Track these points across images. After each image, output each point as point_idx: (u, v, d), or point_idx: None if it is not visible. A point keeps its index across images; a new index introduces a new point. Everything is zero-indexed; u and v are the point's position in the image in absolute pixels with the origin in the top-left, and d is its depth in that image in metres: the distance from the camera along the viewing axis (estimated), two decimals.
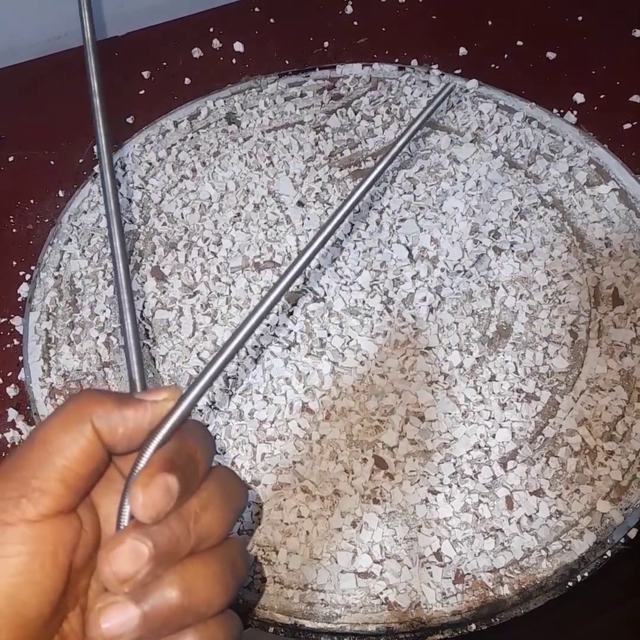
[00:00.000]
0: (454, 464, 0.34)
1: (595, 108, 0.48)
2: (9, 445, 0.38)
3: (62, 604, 0.21)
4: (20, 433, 0.38)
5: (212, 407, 0.37)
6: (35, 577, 0.20)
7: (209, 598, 0.21)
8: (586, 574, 0.32)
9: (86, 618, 0.22)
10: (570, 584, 0.32)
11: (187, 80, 0.52)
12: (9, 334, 0.41)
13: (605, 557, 0.33)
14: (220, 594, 0.22)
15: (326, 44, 0.53)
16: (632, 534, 0.33)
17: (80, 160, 0.48)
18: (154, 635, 0.21)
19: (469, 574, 0.32)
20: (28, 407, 0.38)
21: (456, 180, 0.43)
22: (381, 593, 0.32)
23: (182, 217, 0.43)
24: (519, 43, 0.52)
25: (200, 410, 0.37)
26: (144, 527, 0.20)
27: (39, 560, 0.20)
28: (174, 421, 0.22)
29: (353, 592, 0.32)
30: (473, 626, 0.32)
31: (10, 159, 0.49)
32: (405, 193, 0.43)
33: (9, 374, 0.40)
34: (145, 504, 0.20)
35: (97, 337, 0.39)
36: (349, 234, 0.42)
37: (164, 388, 0.23)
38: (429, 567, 0.32)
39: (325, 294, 0.40)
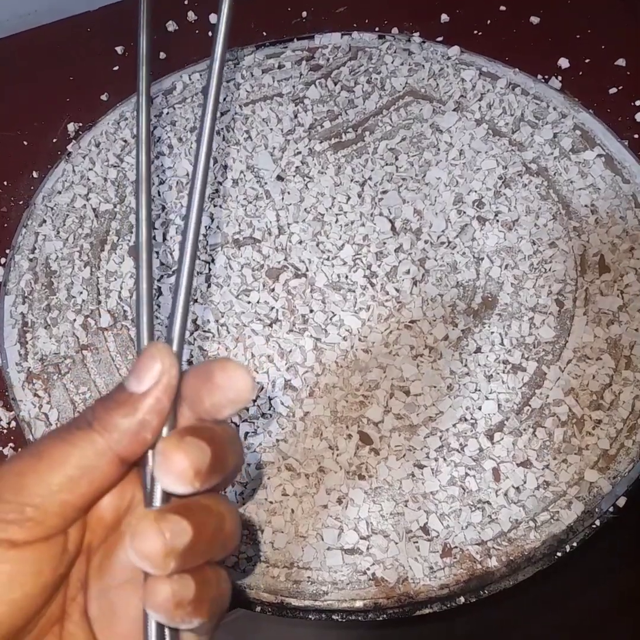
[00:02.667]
0: (440, 438, 0.34)
1: (580, 73, 0.47)
2: None
3: (43, 606, 0.20)
4: None
5: None
6: (13, 596, 0.19)
7: (231, 528, 0.21)
8: (575, 544, 0.32)
9: (68, 595, 0.21)
10: (558, 554, 0.32)
11: (162, 55, 0.50)
12: None
13: (594, 526, 0.32)
14: (237, 529, 0.21)
15: (304, 14, 0.51)
16: (621, 502, 0.33)
17: (54, 140, 0.47)
18: (200, 555, 0.20)
19: (456, 547, 0.32)
20: (6, 393, 0.37)
21: (439, 150, 0.42)
22: (368, 569, 0.31)
23: (159, 195, 0.42)
24: (502, 8, 0.51)
25: None
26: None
27: (19, 579, 0.19)
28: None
29: (340, 568, 0.32)
30: (461, 599, 0.32)
31: None
32: (387, 164, 0.42)
33: None
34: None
35: (75, 320, 0.38)
36: (330, 208, 0.41)
37: (150, 359, 0.20)
38: (416, 542, 0.32)
39: (306, 270, 0.39)
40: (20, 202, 0.44)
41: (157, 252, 0.40)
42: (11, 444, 0.37)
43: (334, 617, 0.32)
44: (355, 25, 0.50)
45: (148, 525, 0.19)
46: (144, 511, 0.20)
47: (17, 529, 0.19)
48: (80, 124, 0.47)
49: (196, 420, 0.21)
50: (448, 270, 0.38)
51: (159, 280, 0.39)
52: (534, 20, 0.50)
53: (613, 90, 0.46)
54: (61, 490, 0.19)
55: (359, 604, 0.31)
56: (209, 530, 0.20)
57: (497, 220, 0.40)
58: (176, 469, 0.19)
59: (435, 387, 0.35)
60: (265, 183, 0.42)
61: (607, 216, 0.40)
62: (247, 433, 0.35)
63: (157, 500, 0.20)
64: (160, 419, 0.20)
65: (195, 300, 0.38)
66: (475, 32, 0.50)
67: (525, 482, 0.33)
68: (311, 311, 0.38)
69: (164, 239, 0.41)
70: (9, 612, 0.19)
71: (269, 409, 0.35)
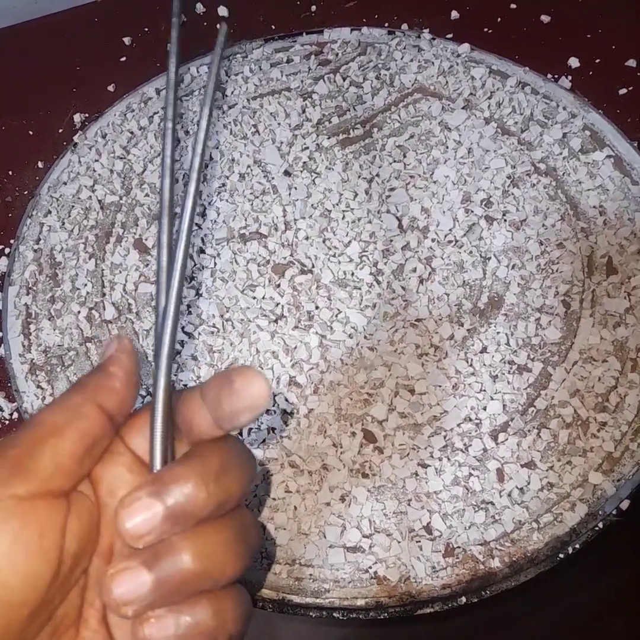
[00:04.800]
0: (444, 437, 0.34)
1: (591, 73, 0.47)
2: None
3: (53, 591, 0.20)
4: (1, 410, 0.37)
5: (197, 381, 0.36)
6: (18, 559, 0.19)
7: (222, 565, 0.21)
8: (577, 546, 0.32)
9: (85, 598, 0.21)
10: (561, 556, 0.32)
11: (169, 47, 0.50)
12: None
13: (597, 528, 0.32)
14: (234, 562, 0.21)
15: (314, 8, 0.51)
16: (624, 505, 0.33)
17: (60, 130, 0.46)
18: (166, 601, 0.20)
19: (459, 547, 0.32)
20: (8, 384, 0.37)
21: (447, 147, 0.42)
22: (370, 567, 0.31)
23: None
24: (513, 6, 0.50)
25: (185, 385, 0.36)
26: (161, 483, 0.20)
27: (23, 540, 0.19)
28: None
29: (342, 566, 0.31)
30: (463, 599, 0.31)
31: None
32: (395, 161, 0.42)
33: None
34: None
35: (79, 312, 0.38)
36: (337, 204, 0.40)
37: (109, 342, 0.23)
38: (419, 541, 0.32)
39: (313, 266, 0.39)
40: (25, 193, 0.44)
41: None
42: None
43: (335, 614, 0.32)
44: (364, 20, 0.50)
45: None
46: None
47: (17, 480, 0.19)
48: (87, 115, 0.47)
49: (215, 428, 0.22)
50: (455, 269, 0.38)
51: None
52: (545, 19, 0.49)
53: (623, 91, 0.46)
54: (51, 437, 0.20)
55: (360, 602, 0.31)
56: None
57: (505, 220, 0.39)
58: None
59: (440, 386, 0.35)
60: (273, 178, 0.42)
61: (615, 218, 0.39)
62: (250, 429, 0.34)
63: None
64: (125, 374, 0.22)
65: (200, 295, 0.38)
66: (486, 29, 0.49)
67: (529, 483, 0.33)
68: (317, 308, 0.37)
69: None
70: (17, 576, 0.19)
71: (274, 406, 0.35)
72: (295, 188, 0.41)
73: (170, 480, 0.20)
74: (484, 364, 0.36)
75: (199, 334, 0.37)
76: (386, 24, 0.49)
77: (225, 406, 0.21)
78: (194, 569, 0.20)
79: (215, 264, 0.39)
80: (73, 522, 0.21)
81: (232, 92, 0.46)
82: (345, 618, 0.32)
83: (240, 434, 0.34)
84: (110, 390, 0.22)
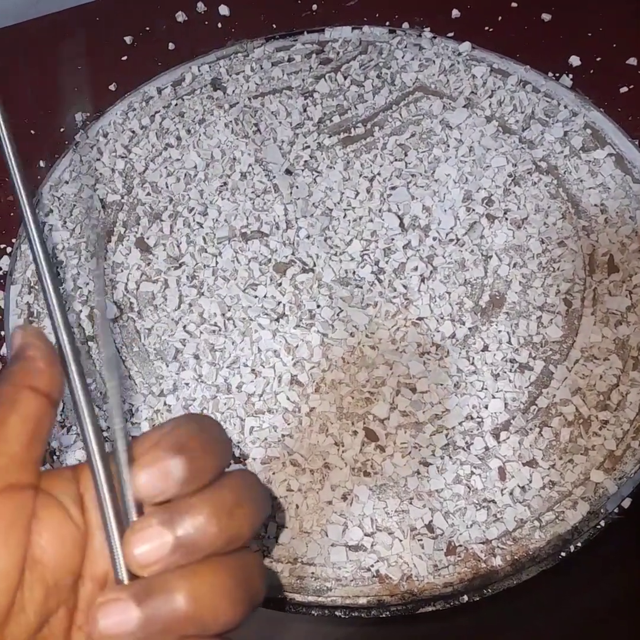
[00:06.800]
0: (446, 436, 0.34)
1: (592, 71, 0.47)
2: None
3: (22, 600, 0.19)
4: None
5: (199, 380, 0.36)
6: None
7: (216, 611, 0.20)
8: (579, 545, 0.32)
9: (74, 620, 0.21)
10: (563, 554, 0.32)
11: (171, 46, 0.50)
12: None
13: (599, 527, 0.32)
14: (230, 610, 0.20)
15: (315, 6, 0.51)
16: (626, 503, 0.33)
17: (61, 129, 0.46)
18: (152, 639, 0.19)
19: (461, 545, 0.32)
20: None
21: (448, 146, 0.42)
22: (372, 566, 0.31)
23: (167, 187, 0.42)
24: (514, 5, 0.50)
25: (186, 384, 0.36)
26: (172, 511, 0.19)
27: None
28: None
29: (343, 565, 0.31)
30: (465, 598, 0.31)
31: None
32: (396, 160, 0.42)
33: None
34: (146, 484, 0.19)
35: (81, 311, 0.38)
36: (338, 203, 0.40)
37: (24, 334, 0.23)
38: (421, 539, 0.32)
39: (314, 265, 0.39)
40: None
41: (165, 245, 0.40)
42: None
43: (337, 613, 0.32)
44: (365, 19, 0.50)
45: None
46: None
47: None
48: (88, 114, 0.47)
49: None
50: (456, 268, 0.38)
51: (165, 273, 0.39)
52: (546, 17, 0.49)
53: (624, 89, 0.46)
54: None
55: (362, 600, 0.31)
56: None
57: (506, 218, 0.39)
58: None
59: (441, 384, 0.35)
60: (274, 177, 0.42)
61: (616, 216, 0.39)
62: (252, 428, 0.34)
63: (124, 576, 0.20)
64: (44, 354, 0.22)
65: (202, 294, 0.38)
66: (487, 28, 0.49)
67: (530, 482, 0.33)
68: (318, 306, 0.37)
69: (171, 230, 0.40)
70: None
71: (275, 404, 0.35)
72: (297, 187, 0.41)
73: (183, 510, 0.20)
74: (486, 363, 0.36)
75: (201, 332, 0.37)
76: (387, 23, 0.49)
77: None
78: (186, 611, 0.19)
79: (216, 262, 0.39)
80: (43, 530, 0.20)
81: (233, 91, 0.46)
82: (347, 617, 0.32)
83: (242, 432, 0.34)
84: (37, 372, 0.22)
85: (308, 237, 0.39)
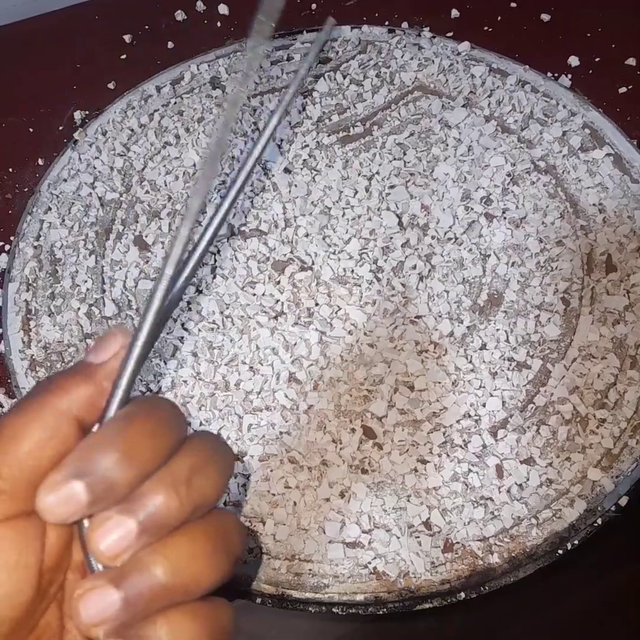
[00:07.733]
0: (444, 433, 0.34)
1: (590, 71, 0.47)
2: None
3: (34, 606, 0.20)
4: (1, 406, 0.37)
5: (197, 378, 0.36)
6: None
7: (197, 576, 0.20)
8: (576, 542, 0.32)
9: (64, 611, 0.21)
10: (560, 552, 0.32)
11: (170, 44, 0.50)
12: None
13: (596, 525, 0.32)
14: (211, 571, 0.20)
15: (314, 6, 0.51)
16: (623, 501, 0.33)
17: (60, 127, 0.46)
18: (139, 617, 0.19)
19: (458, 542, 0.32)
20: (8, 380, 0.37)
21: (447, 145, 0.42)
22: (369, 563, 0.31)
23: (166, 185, 0.42)
24: (513, 5, 0.50)
25: (185, 381, 0.36)
26: (129, 500, 0.19)
27: (2, 557, 0.19)
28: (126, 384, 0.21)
29: (341, 562, 0.32)
30: (462, 595, 0.32)
31: None
32: (395, 159, 0.42)
33: None
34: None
35: (79, 308, 0.38)
36: (337, 201, 0.40)
37: (112, 337, 0.22)
38: (418, 537, 0.32)
39: (312, 263, 0.39)
40: (26, 189, 0.44)
41: (163, 243, 0.40)
42: None
43: (334, 610, 0.32)
44: (365, 18, 0.50)
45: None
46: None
47: None
48: (87, 112, 0.47)
49: None
50: (454, 267, 0.38)
51: None
52: (545, 17, 0.50)
53: (623, 90, 0.46)
54: (28, 458, 0.19)
55: (359, 597, 0.31)
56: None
57: (505, 218, 0.40)
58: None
59: (439, 383, 0.35)
60: (273, 175, 0.42)
61: (614, 215, 0.39)
62: (250, 425, 0.35)
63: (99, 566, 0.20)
64: (108, 387, 0.21)
65: (200, 291, 0.38)
66: (486, 28, 0.49)
67: (528, 480, 0.33)
68: (317, 304, 0.37)
69: (170, 228, 0.40)
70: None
71: (273, 402, 0.35)
72: (295, 185, 0.41)
73: (140, 493, 0.19)
74: (484, 361, 0.36)
75: (199, 330, 0.37)
76: (386, 22, 0.49)
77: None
78: (165, 583, 0.19)
79: (215, 260, 0.39)
80: (51, 536, 0.20)
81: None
82: (344, 613, 0.32)
83: (240, 430, 0.34)
84: (95, 408, 0.21)
85: (307, 235, 0.39)
